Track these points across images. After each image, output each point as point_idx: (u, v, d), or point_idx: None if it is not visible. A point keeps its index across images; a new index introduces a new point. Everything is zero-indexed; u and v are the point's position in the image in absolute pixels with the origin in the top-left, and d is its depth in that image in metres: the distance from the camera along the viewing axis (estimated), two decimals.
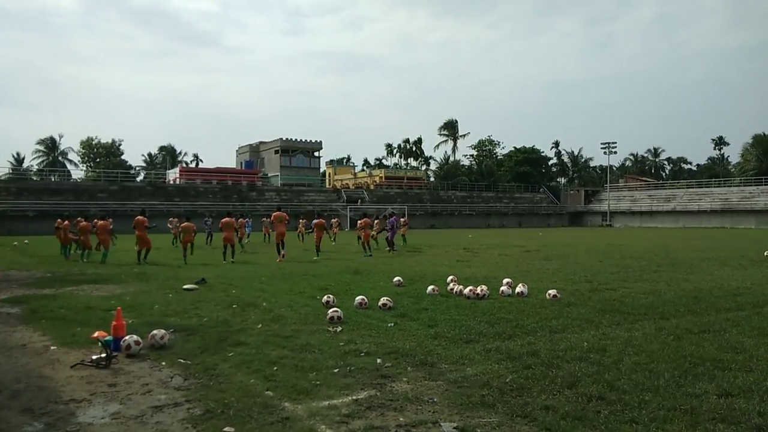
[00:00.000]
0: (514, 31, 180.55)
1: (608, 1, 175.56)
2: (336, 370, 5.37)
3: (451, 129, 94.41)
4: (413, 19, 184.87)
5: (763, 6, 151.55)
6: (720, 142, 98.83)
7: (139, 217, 18.59)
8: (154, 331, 6.49)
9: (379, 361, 5.70)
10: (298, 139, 77.46)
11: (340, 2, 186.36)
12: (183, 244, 18.81)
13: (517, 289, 10.11)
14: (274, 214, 19.58)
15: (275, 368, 5.43)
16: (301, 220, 32.85)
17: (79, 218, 21.40)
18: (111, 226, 19.68)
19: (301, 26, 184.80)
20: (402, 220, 24.30)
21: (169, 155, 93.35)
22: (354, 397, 4.62)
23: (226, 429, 3.96)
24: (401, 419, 4.16)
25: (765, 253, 19.24)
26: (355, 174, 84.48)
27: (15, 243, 29.49)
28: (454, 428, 3.97)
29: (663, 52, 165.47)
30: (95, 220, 20.19)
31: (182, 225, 19.40)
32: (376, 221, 24.70)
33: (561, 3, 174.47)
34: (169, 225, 28.72)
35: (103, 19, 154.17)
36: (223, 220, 19.03)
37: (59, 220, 22.05)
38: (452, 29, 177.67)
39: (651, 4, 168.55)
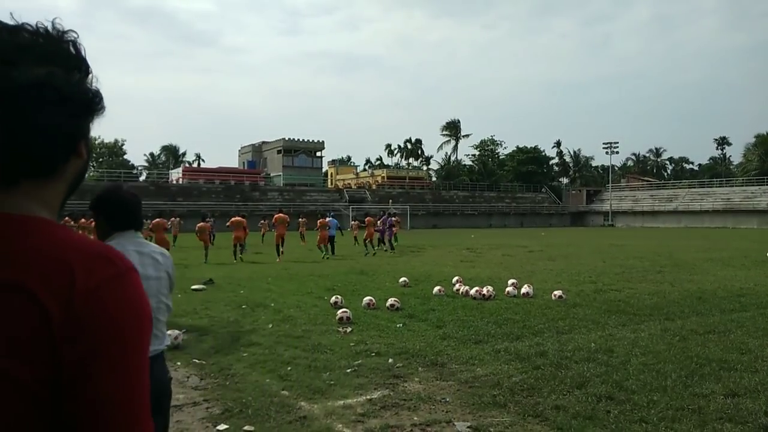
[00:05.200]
0: (511, 32, 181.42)
1: (604, 1, 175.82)
2: (349, 370, 5.48)
3: (453, 129, 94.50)
4: (410, 19, 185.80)
5: (760, 6, 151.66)
6: (723, 142, 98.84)
7: (158, 220, 18.84)
8: (168, 331, 6.59)
9: (390, 361, 5.80)
10: (301, 139, 77.54)
11: (336, 2, 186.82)
12: (204, 243, 18.89)
13: (523, 290, 10.21)
14: (276, 215, 19.87)
15: (289, 368, 5.54)
16: (300, 220, 32.93)
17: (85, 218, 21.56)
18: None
19: (299, 26, 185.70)
20: (393, 219, 24.50)
21: (171, 155, 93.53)
22: (368, 397, 4.73)
23: (245, 428, 4.07)
24: (416, 418, 4.26)
25: (767, 254, 19.32)
26: (357, 174, 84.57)
27: None
28: (468, 427, 4.07)
29: (661, 52, 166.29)
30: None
31: (198, 225, 19.49)
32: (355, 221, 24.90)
33: (557, 3, 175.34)
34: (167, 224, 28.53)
35: (101, 19, 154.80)
36: (234, 219, 19.20)
37: (67, 218, 22.14)
38: (449, 29, 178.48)
39: (647, 5, 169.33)
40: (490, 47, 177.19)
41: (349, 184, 75.99)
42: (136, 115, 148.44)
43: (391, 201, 61.93)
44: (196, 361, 5.90)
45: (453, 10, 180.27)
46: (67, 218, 21.43)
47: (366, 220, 22.10)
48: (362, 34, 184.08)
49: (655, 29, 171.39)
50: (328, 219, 20.81)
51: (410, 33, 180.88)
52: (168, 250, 15.99)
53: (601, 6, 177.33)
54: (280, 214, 19.81)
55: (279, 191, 62.27)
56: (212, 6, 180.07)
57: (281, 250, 18.76)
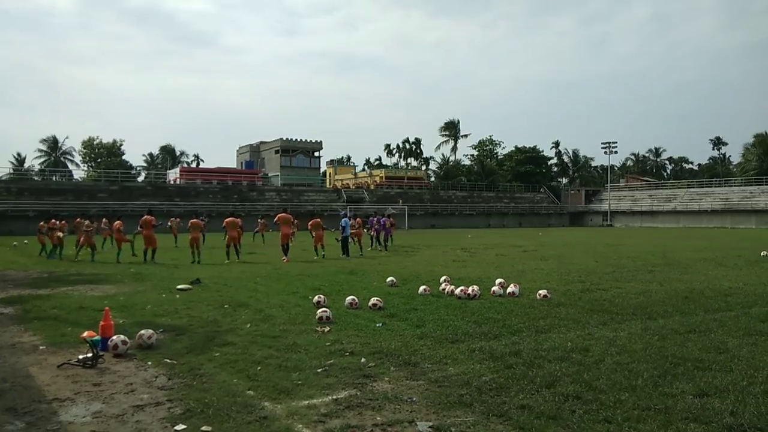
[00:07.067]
0: (509, 31, 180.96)
1: (602, 0, 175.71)
2: (319, 370, 5.42)
3: (452, 129, 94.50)
4: (408, 18, 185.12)
5: (757, 5, 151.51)
6: (718, 142, 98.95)
7: (147, 217, 18.72)
8: (142, 331, 6.55)
9: (363, 360, 5.74)
10: (299, 139, 77.64)
11: (335, 2, 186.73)
12: (190, 242, 18.68)
13: (509, 289, 10.15)
14: (279, 215, 19.45)
15: (259, 368, 5.48)
16: (259, 220, 32.79)
17: (78, 218, 21.56)
18: (122, 227, 19.70)
19: (297, 26, 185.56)
20: (389, 219, 24.44)
21: (169, 155, 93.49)
22: (334, 397, 4.67)
23: (203, 428, 4.01)
24: (378, 418, 4.20)
25: (762, 253, 19.25)
26: (355, 174, 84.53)
27: (14, 243, 29.60)
28: (430, 427, 4.02)
29: (659, 51, 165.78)
30: (103, 220, 20.30)
31: (191, 222, 19.39)
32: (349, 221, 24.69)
33: (555, 2, 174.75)
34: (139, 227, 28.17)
35: (99, 19, 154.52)
36: (228, 219, 19.08)
37: (53, 221, 22.12)
38: (447, 29, 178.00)
39: (645, 4, 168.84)
40: (488, 47, 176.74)
41: (348, 184, 75.95)
42: (135, 116, 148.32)
43: (400, 201, 62.01)
44: (167, 361, 5.84)
45: (451, 10, 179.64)
46: (79, 219, 21.34)
47: (356, 220, 21.99)
48: (360, 33, 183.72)
49: (654, 28, 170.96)
50: (341, 220, 20.65)
51: (408, 33, 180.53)
52: (155, 247, 16.19)
53: (599, 5, 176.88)
54: (285, 214, 19.43)
55: (277, 191, 62.20)
56: (210, 6, 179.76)
57: (286, 257, 18.35)
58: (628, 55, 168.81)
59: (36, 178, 70.45)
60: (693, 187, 74.82)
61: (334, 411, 4.34)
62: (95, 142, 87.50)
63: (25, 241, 31.20)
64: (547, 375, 5.10)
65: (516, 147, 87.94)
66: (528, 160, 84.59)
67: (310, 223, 20.56)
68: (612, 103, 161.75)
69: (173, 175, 67.17)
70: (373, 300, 8.86)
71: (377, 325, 7.50)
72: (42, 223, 22.75)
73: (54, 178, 68.45)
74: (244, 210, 48.04)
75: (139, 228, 18.90)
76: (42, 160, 79.32)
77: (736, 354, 5.84)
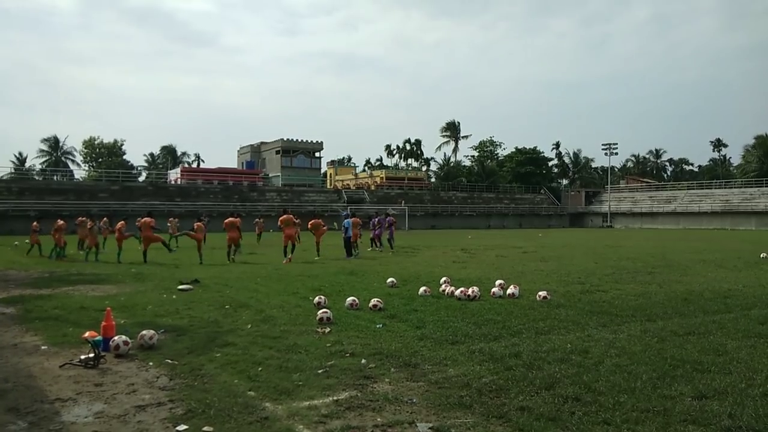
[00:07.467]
0: (509, 32, 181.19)
1: (602, 1, 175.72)
2: (320, 371, 5.44)
3: (452, 130, 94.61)
4: (408, 19, 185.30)
5: (757, 5, 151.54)
6: (719, 144, 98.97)
7: (146, 219, 18.76)
8: (143, 332, 6.57)
9: (363, 362, 5.77)
10: (299, 140, 77.65)
11: (335, 2, 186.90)
12: (197, 242, 18.64)
13: (509, 291, 10.18)
14: (282, 217, 19.21)
15: (260, 369, 5.51)
16: (256, 220, 32.79)
17: (81, 218, 21.64)
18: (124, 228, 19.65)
19: (298, 27, 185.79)
20: (391, 219, 24.48)
21: (170, 155, 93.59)
22: (335, 398, 4.69)
23: (205, 428, 4.04)
24: (379, 419, 4.23)
25: (761, 255, 19.27)
26: (356, 174, 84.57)
27: (16, 243, 29.61)
28: (430, 428, 4.04)
29: (659, 52, 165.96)
30: (104, 219, 20.28)
31: (196, 225, 19.36)
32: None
33: (554, 4, 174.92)
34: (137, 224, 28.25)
35: (100, 19, 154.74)
36: (227, 220, 19.08)
37: (59, 221, 22.14)
38: (447, 30, 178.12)
39: (646, 4, 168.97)
40: (488, 47, 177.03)
41: (348, 184, 75.98)
42: (135, 116, 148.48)
43: (402, 201, 62.07)
44: (169, 361, 5.86)
45: (451, 11, 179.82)
46: (82, 218, 21.37)
47: (352, 221, 21.98)
48: (361, 34, 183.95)
49: (654, 29, 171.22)
50: (344, 221, 20.58)
51: (409, 33, 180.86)
52: (162, 241, 16.20)
53: (599, 6, 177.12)
54: (287, 215, 19.04)
55: (277, 192, 62.25)
56: (211, 6, 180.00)
57: (289, 256, 18.13)
58: (628, 56, 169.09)
59: (37, 177, 70.51)
60: (693, 189, 74.87)
61: (334, 412, 4.37)
62: (96, 142, 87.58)
63: (26, 241, 31.20)
64: (547, 377, 5.12)
65: (516, 148, 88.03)
66: (528, 161, 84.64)
67: (310, 223, 20.60)
68: (612, 103, 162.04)
69: (174, 175, 67.22)
70: (374, 301, 8.88)
71: (377, 326, 7.53)
72: (35, 223, 22.82)
73: (55, 177, 68.56)
74: (245, 210, 48.09)
75: (137, 229, 18.96)
76: (43, 159, 79.49)
77: (734, 356, 5.87)
